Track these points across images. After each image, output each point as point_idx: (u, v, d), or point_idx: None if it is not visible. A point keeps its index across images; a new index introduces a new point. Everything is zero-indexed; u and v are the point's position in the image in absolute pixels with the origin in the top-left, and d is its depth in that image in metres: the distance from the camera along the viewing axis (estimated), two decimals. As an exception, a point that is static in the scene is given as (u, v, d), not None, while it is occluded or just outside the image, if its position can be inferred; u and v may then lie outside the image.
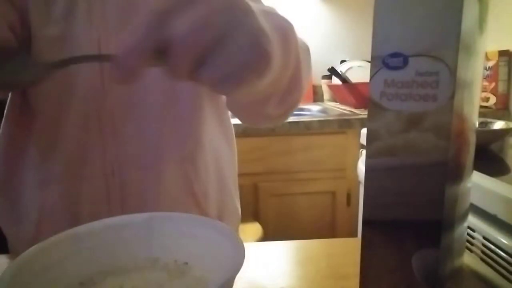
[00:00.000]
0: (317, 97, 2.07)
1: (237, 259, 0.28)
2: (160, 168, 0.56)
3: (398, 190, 0.29)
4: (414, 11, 0.27)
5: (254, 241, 1.35)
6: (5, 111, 0.58)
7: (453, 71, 0.26)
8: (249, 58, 0.27)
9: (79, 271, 0.32)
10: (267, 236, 1.47)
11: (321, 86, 2.06)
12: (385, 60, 0.28)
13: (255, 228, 1.46)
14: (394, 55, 0.28)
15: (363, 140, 1.57)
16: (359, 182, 1.58)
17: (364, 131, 1.56)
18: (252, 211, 1.57)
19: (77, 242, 0.33)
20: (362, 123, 1.53)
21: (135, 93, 0.53)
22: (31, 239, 0.55)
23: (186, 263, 0.34)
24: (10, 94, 0.57)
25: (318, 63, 2.05)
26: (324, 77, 2.01)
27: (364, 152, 1.59)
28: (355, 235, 1.63)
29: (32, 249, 0.30)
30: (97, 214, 0.38)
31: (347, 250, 0.48)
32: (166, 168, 0.57)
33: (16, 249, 0.59)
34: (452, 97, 0.27)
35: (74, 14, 0.51)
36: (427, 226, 0.28)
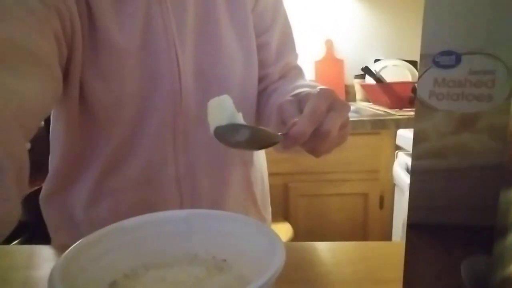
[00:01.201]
0: (349, 96, 2.04)
1: (278, 259, 0.27)
2: (227, 171, 0.61)
3: (447, 194, 0.28)
4: (466, 5, 0.26)
5: (285, 241, 1.35)
6: (63, 123, 0.58)
7: (510, 70, 0.25)
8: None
9: (124, 263, 0.33)
10: (297, 236, 1.46)
11: (353, 86, 2.02)
12: (435, 59, 0.27)
13: (285, 228, 1.45)
14: (445, 53, 0.27)
15: (399, 141, 1.52)
16: (394, 185, 1.54)
17: (400, 132, 1.51)
18: (282, 211, 1.57)
19: (122, 235, 0.34)
20: (397, 123, 1.49)
21: (205, 102, 0.57)
22: None
23: (225, 260, 0.34)
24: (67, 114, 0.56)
25: (351, 62, 2.02)
26: (357, 76, 1.97)
27: (400, 153, 1.54)
28: (388, 239, 1.59)
29: (79, 243, 0.31)
30: None
31: (383, 254, 0.47)
32: (232, 171, 0.61)
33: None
34: (509, 97, 0.25)
35: (151, 26, 0.53)
36: (479, 232, 0.27)
